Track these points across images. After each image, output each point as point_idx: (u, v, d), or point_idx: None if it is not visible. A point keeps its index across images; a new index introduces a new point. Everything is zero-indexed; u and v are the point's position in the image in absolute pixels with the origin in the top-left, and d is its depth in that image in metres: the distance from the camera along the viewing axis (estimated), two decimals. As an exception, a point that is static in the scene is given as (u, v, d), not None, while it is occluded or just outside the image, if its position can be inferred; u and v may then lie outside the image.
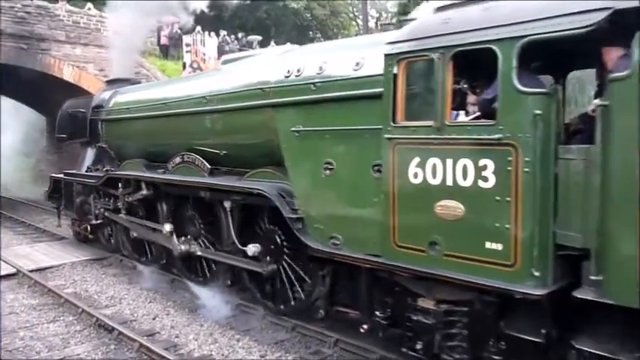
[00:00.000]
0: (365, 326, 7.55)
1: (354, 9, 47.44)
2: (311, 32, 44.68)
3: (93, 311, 9.89)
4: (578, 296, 5.11)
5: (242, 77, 9.38)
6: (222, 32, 30.19)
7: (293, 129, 7.96)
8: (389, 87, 6.47)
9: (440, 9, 6.63)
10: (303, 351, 8.29)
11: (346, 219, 7.31)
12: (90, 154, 14.70)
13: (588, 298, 5.04)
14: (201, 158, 10.16)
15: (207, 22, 31.28)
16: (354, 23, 47.22)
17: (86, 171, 14.47)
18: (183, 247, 10.43)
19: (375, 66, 6.82)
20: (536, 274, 5.36)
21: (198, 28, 28.15)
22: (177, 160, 10.77)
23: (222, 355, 8.22)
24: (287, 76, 8.22)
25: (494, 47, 5.57)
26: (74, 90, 21.74)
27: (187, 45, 28.14)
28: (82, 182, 14.35)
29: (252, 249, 8.74)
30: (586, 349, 5.24)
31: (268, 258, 8.76)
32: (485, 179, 5.63)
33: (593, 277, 5.02)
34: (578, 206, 5.19)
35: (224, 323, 9.33)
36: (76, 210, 14.78)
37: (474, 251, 5.77)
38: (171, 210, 11.26)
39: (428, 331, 6.47)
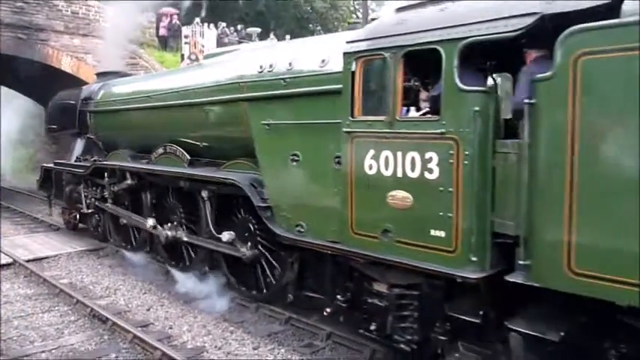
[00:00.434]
0: (328, 309, 7.90)
1: (355, 2, 47.48)
2: (311, 25, 44.84)
3: (88, 302, 9.97)
4: (509, 280, 5.49)
5: (220, 72, 9.79)
6: (222, 24, 30.05)
7: (264, 122, 8.37)
8: (347, 84, 6.87)
9: (400, 9, 7.04)
10: (296, 344, 8.41)
11: (310, 208, 7.73)
12: (79, 144, 15.14)
13: (518, 281, 5.42)
14: (181, 149, 10.67)
15: (207, 13, 31.55)
16: (354, 16, 47.29)
17: (75, 161, 14.93)
18: (169, 233, 10.81)
19: (338, 63, 7.17)
20: (474, 259, 5.76)
21: (197, 19, 28.32)
22: (160, 151, 11.29)
23: (216, 346, 8.31)
24: (260, 72, 8.64)
25: (438, 48, 5.96)
26: (73, 80, 21.87)
27: (186, 37, 28.10)
28: (70, 172, 14.85)
29: (226, 236, 9.13)
30: (518, 329, 5.61)
31: (249, 244, 9.11)
32: (431, 171, 6.03)
33: (521, 262, 5.41)
34: (512, 196, 5.56)
35: (218, 315, 9.45)
36: (66, 199, 15.32)
37: (421, 238, 6.16)
38: (154, 199, 11.67)
39: (381, 313, 6.88)
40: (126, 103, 12.77)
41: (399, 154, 6.30)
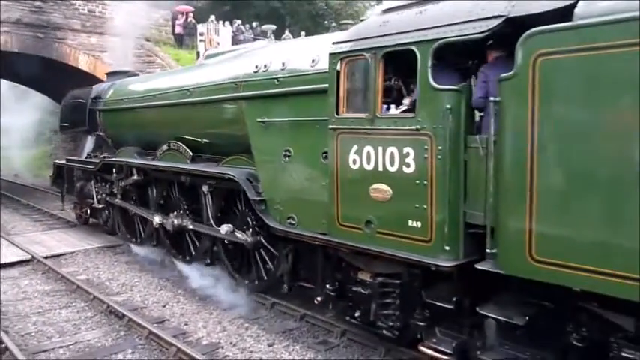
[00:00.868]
0: (319, 298, 8.26)
1: (371, -1, 47.54)
2: (326, 21, 44.99)
3: (104, 298, 10.10)
4: (479, 267, 5.82)
5: (220, 71, 10.23)
6: (237, 21, 30.19)
7: (259, 120, 8.76)
8: (333, 83, 7.24)
9: (385, 11, 7.40)
10: (310, 340, 8.47)
11: (300, 201, 8.11)
12: (90, 141, 15.78)
13: (485, 268, 5.75)
14: (184, 146, 11.12)
15: (222, 11, 31.80)
16: (368, 13, 47.24)
17: (86, 158, 15.53)
18: (175, 221, 11.19)
19: (327, 63, 7.49)
20: (447, 248, 6.11)
21: (212, 17, 28.53)
22: (165, 147, 11.77)
23: (231, 343, 8.37)
24: (255, 72, 9.04)
25: (414, 49, 6.30)
26: (90, 78, 22.14)
27: (201, 34, 28.20)
28: (81, 168, 15.45)
29: (224, 229, 9.55)
30: (488, 314, 5.96)
31: (250, 231, 9.39)
32: (408, 165, 6.37)
33: (488, 250, 5.74)
34: (481, 189, 5.86)
35: (233, 311, 9.55)
36: (77, 194, 15.94)
37: (400, 229, 6.52)
38: (160, 194, 12.10)
39: (365, 301, 7.25)
40: (133, 101, 13.26)
41: (380, 149, 6.65)
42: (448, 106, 6.01)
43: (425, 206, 6.23)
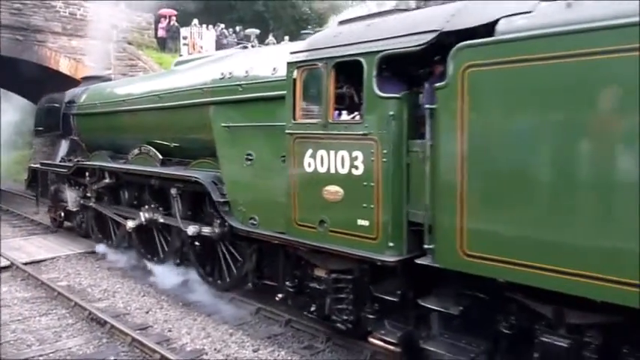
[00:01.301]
0: (280, 295, 8.67)
1: (353, 2, 47.70)
2: (310, 26, 45.05)
3: (86, 304, 9.97)
4: (418, 262, 6.29)
5: (188, 78, 10.65)
6: (220, 25, 30.18)
7: (224, 125, 9.18)
8: (290, 90, 7.67)
9: (341, 22, 7.92)
10: (296, 346, 8.48)
11: (261, 202, 8.54)
12: (64, 145, 16.08)
13: (424, 263, 6.23)
14: (154, 150, 11.54)
15: (205, 15, 31.98)
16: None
17: (60, 161, 15.82)
18: (147, 215, 11.51)
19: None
20: (391, 245, 6.56)
21: (196, 21, 28.52)
22: (136, 151, 12.16)
23: (215, 349, 8.35)
24: (221, 78, 9.46)
25: (361, 59, 6.76)
26: (72, 82, 21.60)
27: (185, 38, 28.12)
28: (55, 172, 15.77)
29: (191, 229, 9.92)
30: (428, 305, 6.45)
31: (217, 222, 9.67)
32: (357, 168, 6.82)
33: (426, 246, 6.22)
34: (421, 189, 6.32)
35: (217, 317, 9.55)
36: (51, 197, 16.23)
37: (350, 227, 6.95)
38: (132, 196, 12.49)
39: (321, 296, 7.72)
40: (105, 106, 13.64)
41: (332, 152, 7.10)
42: (391, 112, 6.47)
43: (372, 206, 6.67)
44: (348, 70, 7.13)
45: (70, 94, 15.89)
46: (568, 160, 5.03)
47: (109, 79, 16.83)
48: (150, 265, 11.87)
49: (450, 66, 5.76)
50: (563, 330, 5.54)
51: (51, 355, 8.21)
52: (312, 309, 7.90)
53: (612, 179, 4.78)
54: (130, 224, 11.83)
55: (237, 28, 31.59)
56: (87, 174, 13.81)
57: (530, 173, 5.31)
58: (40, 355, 8.17)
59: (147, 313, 9.93)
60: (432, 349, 6.50)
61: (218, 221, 9.60)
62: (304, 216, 7.58)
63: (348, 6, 47.52)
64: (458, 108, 5.71)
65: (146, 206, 11.64)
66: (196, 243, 10.29)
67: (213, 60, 10.77)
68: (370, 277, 7.18)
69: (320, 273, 7.73)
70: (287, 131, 7.68)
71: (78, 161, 14.52)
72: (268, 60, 8.74)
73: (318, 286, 7.74)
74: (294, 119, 7.61)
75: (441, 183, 5.98)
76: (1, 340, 8.63)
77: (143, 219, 11.51)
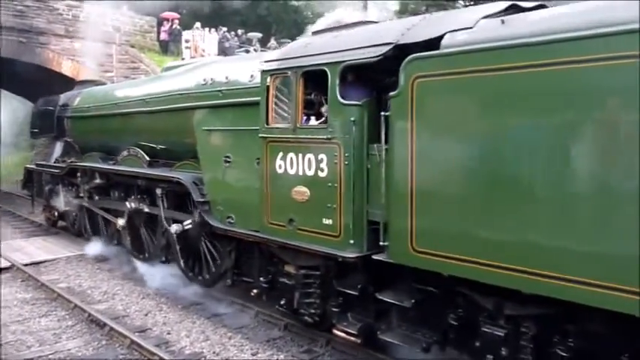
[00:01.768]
0: (255, 290, 9.12)
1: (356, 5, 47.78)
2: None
3: (85, 306, 10.01)
4: (375, 258, 6.78)
5: (173, 83, 11.18)
6: (223, 29, 30.49)
7: (204, 128, 9.69)
8: (263, 96, 8.15)
9: (314, 32, 8.44)
10: (294, 350, 8.49)
11: (238, 202, 9.01)
12: (58, 147, 16.68)
13: (380, 259, 6.71)
14: (141, 152, 12.09)
15: (208, 18, 32.33)
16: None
17: (54, 162, 16.40)
18: (133, 205, 12.04)
19: (262, 78, 8.44)
20: (352, 242, 7.03)
21: (198, 24, 28.92)
22: (125, 153, 12.73)
23: (214, 352, 8.37)
24: (203, 84, 9.98)
25: (325, 69, 7.25)
26: (73, 84, 21.27)
27: (187, 41, 28.56)
28: (49, 172, 16.38)
29: (174, 228, 10.42)
30: (384, 298, 6.92)
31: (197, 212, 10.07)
32: (322, 170, 7.29)
33: (381, 243, 6.70)
34: (378, 190, 6.77)
35: (217, 320, 9.63)
36: (45, 197, 16.86)
37: (316, 226, 7.43)
38: (121, 196, 12.93)
39: (290, 291, 8.20)
40: (97, 109, 14.22)
41: (300, 155, 7.57)
42: (352, 118, 6.94)
43: (335, 205, 7.14)
44: (316, 78, 7.58)
45: (64, 97, 16.48)
46: (500, 162, 5.51)
47: (103, 84, 17.41)
48: (137, 262, 12.37)
49: (402, 76, 6.24)
50: (502, 321, 6.01)
51: (50, 356, 8.28)
52: (282, 302, 8.39)
53: (537, 179, 5.24)
54: (120, 222, 12.35)
55: (240, 32, 31.79)
56: (79, 175, 14.38)
57: (467, 175, 5.80)
58: (40, 357, 8.24)
59: (146, 315, 10.01)
60: (388, 339, 7.04)
61: (197, 215, 9.99)
62: (275, 215, 8.04)
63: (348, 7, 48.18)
64: (408, 115, 6.19)
65: (132, 197, 12.12)
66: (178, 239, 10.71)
67: (198, 66, 11.23)
68: (335, 273, 7.64)
69: (290, 269, 8.21)
70: (260, 135, 8.15)
71: (71, 162, 15.10)
72: (247, 67, 9.18)
73: (287, 282, 8.23)
74: (267, 124, 8.08)
75: (394, 184, 6.45)
76: (1, 341, 8.72)
77: (129, 207, 12.03)
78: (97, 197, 13.97)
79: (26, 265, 13.11)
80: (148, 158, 11.94)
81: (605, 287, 4.75)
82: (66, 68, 23.61)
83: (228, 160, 9.11)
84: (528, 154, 5.27)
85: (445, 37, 6.08)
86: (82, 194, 14.42)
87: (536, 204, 5.24)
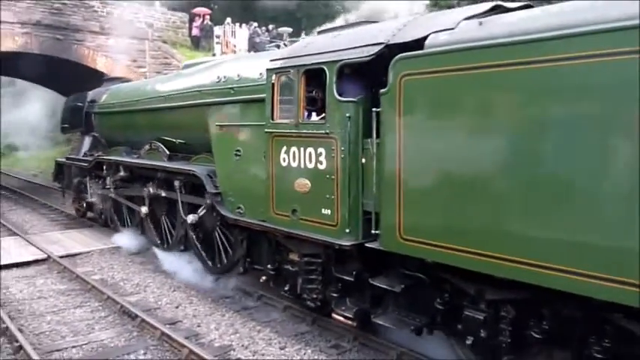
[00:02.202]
0: (264, 277, 9.59)
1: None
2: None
3: (118, 298, 10.27)
4: (368, 246, 7.20)
5: (191, 80, 11.76)
6: (254, 24, 30.87)
7: (218, 124, 10.19)
8: (269, 93, 8.60)
9: (320, 32, 8.90)
10: (322, 344, 8.58)
11: (247, 193, 9.48)
12: (87, 141, 17.49)
13: (372, 246, 7.13)
14: (162, 146, 12.71)
15: (239, 13, 32.74)
16: (385, 15, 47.41)
17: (83, 156, 17.23)
18: (151, 190, 12.75)
19: (270, 76, 8.88)
20: (348, 231, 7.45)
21: (229, 19, 29.38)
22: (147, 147, 13.39)
23: (243, 345, 8.51)
24: (217, 82, 10.50)
25: (324, 67, 7.66)
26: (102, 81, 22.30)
27: (218, 37, 29.01)
28: (78, 165, 17.23)
29: (190, 218, 11.01)
30: (376, 284, 7.32)
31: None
32: (321, 163, 7.71)
33: (373, 232, 7.11)
34: (371, 182, 7.18)
35: (246, 314, 9.81)
36: (74, 189, 17.70)
37: (316, 215, 7.85)
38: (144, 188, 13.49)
39: (294, 277, 8.67)
40: (122, 105, 14.97)
41: (302, 149, 8.00)
42: (348, 114, 7.35)
43: (333, 196, 7.56)
44: (316, 76, 7.98)
45: (92, 94, 17.29)
46: (478, 156, 5.84)
47: (129, 81, 18.26)
48: (158, 250, 12.99)
49: (390, 74, 6.62)
50: (483, 305, 6.38)
51: (84, 346, 8.52)
52: (286, 288, 8.87)
53: (512, 172, 5.60)
54: (144, 210, 13.02)
55: (270, 27, 32.16)
56: (105, 167, 15.14)
57: (448, 168, 6.15)
58: (73, 347, 8.47)
59: (177, 308, 10.21)
60: (381, 323, 7.45)
61: (208, 202, 10.56)
62: (280, 205, 8.48)
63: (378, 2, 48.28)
64: (396, 111, 6.57)
65: (150, 183, 12.79)
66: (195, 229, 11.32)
67: (214, 64, 11.74)
68: (334, 260, 8.06)
69: (293, 257, 8.67)
70: (266, 130, 8.61)
71: (98, 156, 15.86)
72: (258, 65, 9.60)
73: (291, 268, 8.69)
74: (272, 119, 8.52)
75: (384, 176, 6.84)
76: (36, 332, 9.05)
77: (149, 192, 12.72)
78: (122, 189, 14.62)
79: (62, 257, 13.46)
80: (167, 152, 12.53)
81: (574, 273, 5.07)
82: (100, 64, 24.28)
83: (239, 153, 9.59)
84: (505, 147, 5.61)
85: (429, 37, 6.46)
86: (108, 186, 15.09)
87: (510, 196, 5.60)
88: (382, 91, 6.79)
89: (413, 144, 6.46)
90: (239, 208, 9.61)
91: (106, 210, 16.06)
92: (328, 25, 9.53)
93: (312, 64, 7.88)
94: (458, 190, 6.06)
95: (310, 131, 7.89)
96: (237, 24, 29.60)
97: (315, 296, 8.42)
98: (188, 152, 12.14)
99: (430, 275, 6.89)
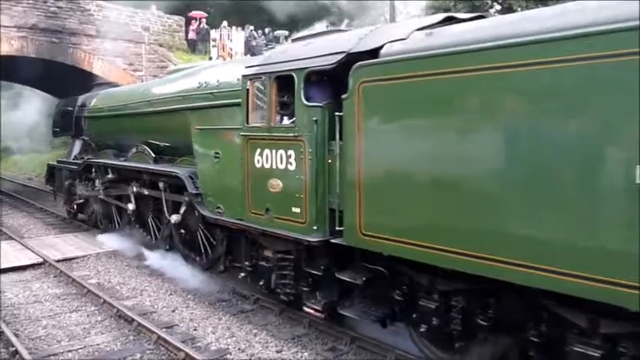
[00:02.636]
0: (242, 274, 10.04)
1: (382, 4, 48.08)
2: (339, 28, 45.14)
3: (114, 302, 10.25)
4: (332, 241, 7.70)
5: (175, 86, 12.26)
6: (249, 27, 30.78)
7: (198, 127, 10.68)
8: (244, 98, 9.07)
9: (293, 40, 9.35)
10: (319, 347, 8.56)
11: (225, 193, 9.95)
12: (77, 145, 18.12)
13: (336, 242, 7.62)
14: (148, 149, 13.23)
15: (234, 16, 32.92)
16: (382, 19, 48.08)
17: (73, 159, 17.82)
18: (135, 189, 13.25)
19: (246, 82, 9.36)
20: (315, 228, 7.92)
21: (225, 23, 29.39)
22: (134, 150, 13.92)
23: (239, 349, 8.51)
24: (198, 87, 10.97)
25: (293, 74, 8.13)
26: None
27: (214, 40, 29.00)
28: (68, 168, 17.78)
29: (174, 218, 11.52)
30: (341, 277, 7.82)
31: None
32: (291, 164, 8.18)
33: (337, 228, 7.60)
34: (335, 182, 7.66)
35: (242, 317, 9.84)
36: (65, 191, 18.23)
37: (287, 214, 8.31)
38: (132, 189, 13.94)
39: (268, 273, 9.15)
40: (110, 110, 15.53)
41: (274, 151, 8.47)
42: (315, 118, 7.80)
43: (302, 195, 8.02)
44: (287, 82, 8.42)
45: (82, 98, 17.88)
46: (427, 157, 6.33)
47: (117, 85, 18.82)
48: (146, 250, 13.51)
49: (351, 81, 7.11)
50: (436, 295, 6.87)
51: (80, 350, 8.50)
52: (261, 283, 9.35)
53: (454, 171, 6.06)
54: (130, 207, 13.52)
55: (267, 30, 32.08)
56: (94, 170, 15.70)
57: (401, 168, 6.64)
58: (70, 351, 8.46)
59: (173, 311, 10.23)
60: (346, 314, 7.97)
61: (187, 200, 11.09)
62: (255, 205, 8.95)
63: (377, 7, 48.75)
64: (355, 116, 7.06)
65: (134, 182, 13.31)
66: (181, 230, 11.80)
67: (197, 70, 12.25)
68: (305, 256, 8.52)
69: (268, 253, 9.14)
70: (242, 133, 9.09)
71: (87, 159, 16.43)
72: (235, 70, 10.02)
73: (266, 265, 9.17)
74: (247, 123, 9.00)
75: (346, 176, 7.33)
76: (32, 336, 9.07)
77: (134, 191, 13.23)
78: (111, 191, 15.11)
79: (58, 261, 13.49)
80: (153, 155, 13.07)
81: (512, 264, 5.52)
82: (97, 68, 24.39)
83: (218, 156, 10.06)
84: (450, 148, 6.07)
85: (384, 47, 6.96)
86: (97, 188, 15.60)
87: (453, 194, 6.07)
88: (343, 96, 7.27)
89: (370, 146, 6.93)
90: (218, 207, 10.07)
91: (95, 211, 16.58)
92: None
93: (282, 71, 8.35)
94: (408, 189, 6.55)
95: (281, 134, 8.35)
96: (234, 27, 29.70)
97: (288, 291, 8.87)
98: (173, 155, 12.61)
99: (389, 269, 7.35)
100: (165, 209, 12.04)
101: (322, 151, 7.86)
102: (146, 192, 12.88)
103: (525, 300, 5.97)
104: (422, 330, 7.00)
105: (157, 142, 12.97)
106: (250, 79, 8.97)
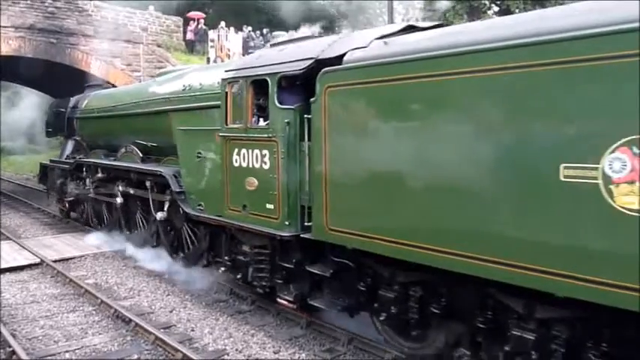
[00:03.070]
0: (222, 268, 10.53)
1: (380, 4, 48.51)
2: (337, 28, 45.86)
3: (112, 302, 10.23)
4: (302, 236, 8.17)
5: (161, 88, 12.77)
6: (248, 28, 31.24)
7: (181, 128, 11.22)
8: (223, 101, 9.54)
9: (272, 45, 9.80)
10: (317, 348, 8.60)
11: (207, 191, 10.46)
12: (69, 145, 18.61)
13: (306, 236, 8.10)
14: (136, 149, 13.76)
15: (232, 17, 33.23)
16: (380, 19, 48.47)
17: (65, 159, 18.36)
18: (121, 188, 13.80)
19: (226, 85, 9.85)
20: (287, 223, 8.39)
21: (223, 23, 29.65)
22: (123, 150, 14.46)
23: (237, 349, 8.52)
24: (183, 90, 11.49)
25: (267, 78, 8.62)
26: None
27: (212, 41, 29.37)
28: (60, 168, 18.28)
29: (159, 215, 12.04)
30: (311, 270, 8.32)
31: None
32: (266, 163, 8.65)
33: (306, 224, 8.09)
34: (306, 180, 8.12)
35: (240, 318, 9.88)
36: (57, 190, 18.66)
37: (262, 210, 8.78)
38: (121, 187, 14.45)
39: (245, 267, 9.63)
40: (101, 111, 16.07)
41: (250, 151, 8.95)
42: (287, 120, 8.28)
43: (275, 193, 8.48)
44: (262, 86, 8.86)
45: (74, 99, 18.43)
46: (386, 156, 6.78)
47: (111, 86, 19.47)
48: (132, 247, 13.98)
49: (318, 86, 7.59)
50: (396, 286, 7.35)
51: (77, 350, 8.49)
52: (239, 276, 9.84)
53: (411, 171, 6.54)
54: (119, 200, 14.07)
55: (265, 31, 32.07)
56: (85, 169, 16.26)
57: (362, 167, 7.10)
58: (67, 351, 8.45)
59: (171, 312, 10.23)
60: (316, 304, 8.47)
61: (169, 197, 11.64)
62: (233, 202, 9.42)
63: (374, 7, 49.09)
64: (322, 118, 7.54)
65: (119, 181, 13.86)
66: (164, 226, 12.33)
67: (183, 73, 12.67)
68: (279, 250, 8.99)
69: (245, 248, 9.60)
70: (221, 134, 9.56)
71: (79, 159, 16.97)
72: (216, 74, 10.47)
73: (243, 259, 9.65)
74: (226, 124, 9.47)
75: (314, 174, 7.81)
76: (29, 336, 9.07)
77: (120, 189, 13.78)
78: (100, 189, 15.59)
79: (55, 261, 13.47)
80: (141, 155, 13.61)
81: (461, 255, 5.96)
82: (94, 68, 24.55)
83: (200, 155, 10.54)
84: (405, 149, 6.55)
85: (347, 54, 7.45)
86: (87, 186, 16.12)
87: (409, 190, 6.55)
88: (312, 100, 7.75)
89: (334, 147, 7.42)
90: (200, 205, 10.57)
91: (86, 210, 17.12)
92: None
93: (258, 75, 8.84)
94: (369, 187, 7.02)
95: (257, 135, 8.82)
96: (232, 28, 29.98)
97: (264, 283, 9.34)
98: (160, 155, 13.12)
99: (354, 261, 7.81)
100: (152, 207, 12.50)
101: (294, 151, 8.31)
102: (132, 191, 13.41)
103: (473, 288, 6.44)
104: (382, 318, 7.52)
105: (145, 143, 13.48)
106: (229, 83, 9.44)
